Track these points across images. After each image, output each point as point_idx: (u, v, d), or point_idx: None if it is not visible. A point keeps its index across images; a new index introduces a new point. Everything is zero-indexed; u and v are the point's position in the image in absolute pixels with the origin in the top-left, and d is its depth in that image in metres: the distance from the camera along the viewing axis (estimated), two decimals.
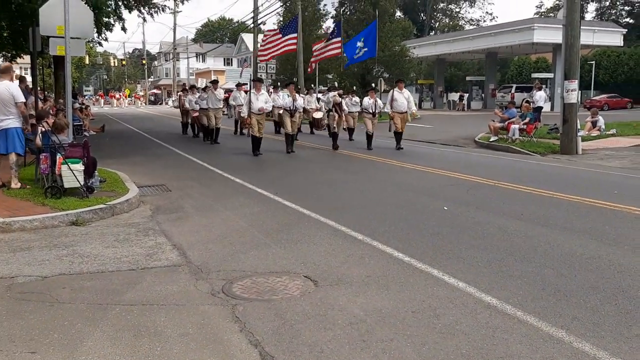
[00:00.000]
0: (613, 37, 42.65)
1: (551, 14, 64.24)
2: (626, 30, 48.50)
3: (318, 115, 18.65)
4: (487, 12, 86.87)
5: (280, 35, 25.59)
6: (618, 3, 76.43)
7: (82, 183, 8.08)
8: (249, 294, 4.63)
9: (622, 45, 45.33)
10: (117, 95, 69.99)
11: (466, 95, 48.59)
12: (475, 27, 68.19)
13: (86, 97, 59.59)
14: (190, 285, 4.86)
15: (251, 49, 44.13)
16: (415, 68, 38.16)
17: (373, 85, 19.35)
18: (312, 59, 26.11)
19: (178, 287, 4.83)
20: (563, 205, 8.13)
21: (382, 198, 8.83)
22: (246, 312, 4.26)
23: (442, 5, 74.88)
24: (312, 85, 28.55)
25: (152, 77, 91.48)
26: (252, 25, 38.01)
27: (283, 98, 16.89)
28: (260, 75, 33.58)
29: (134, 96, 76.39)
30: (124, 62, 77.64)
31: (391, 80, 43.65)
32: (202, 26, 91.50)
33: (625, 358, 3.49)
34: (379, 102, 16.71)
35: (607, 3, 76.30)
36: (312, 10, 39.09)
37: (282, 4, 35.84)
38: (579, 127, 15.78)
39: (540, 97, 22.63)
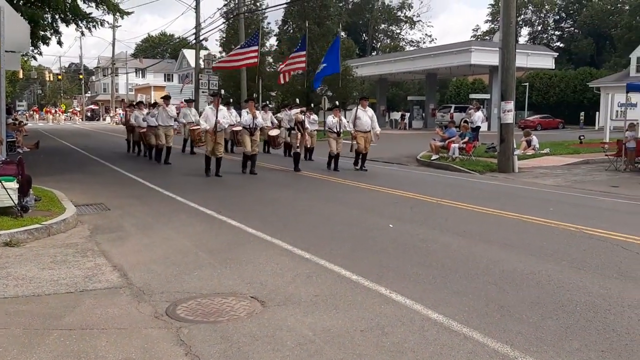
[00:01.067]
0: (545, 60, 44.71)
1: (487, 37, 66.85)
2: (557, 54, 51.03)
3: (274, 132, 18.13)
4: (426, 34, 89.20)
5: (240, 49, 23.78)
6: (549, 28, 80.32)
7: (16, 202, 7.71)
8: (194, 316, 4.51)
9: (553, 68, 47.61)
10: (53, 111, 67.64)
11: (408, 114, 49.69)
12: (415, 48, 70.02)
13: (19, 113, 57.30)
14: (132, 308, 4.69)
15: (193, 65, 43.68)
16: (358, 87, 38.66)
17: (337, 103, 18.18)
18: (282, 71, 24.33)
19: (119, 310, 4.65)
20: (503, 222, 8.37)
21: (329, 216, 8.84)
22: (191, 334, 4.14)
23: (383, 26, 76.61)
24: (268, 102, 28.40)
25: (89, 92, 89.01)
26: (193, 41, 37.66)
27: (235, 116, 15.52)
28: (203, 92, 33.28)
29: (71, 112, 74.03)
30: (60, 77, 75.28)
31: (334, 98, 44.19)
32: (142, 41, 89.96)
33: None
34: (344, 120, 15.80)
35: (540, 28, 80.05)
36: (255, 28, 39.11)
37: (224, 21, 35.76)
38: (515, 146, 16.35)
39: (478, 117, 23.41)
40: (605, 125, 24.60)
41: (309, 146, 17.64)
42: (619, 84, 32.01)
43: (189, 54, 64.15)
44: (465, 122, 21.19)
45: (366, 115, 15.20)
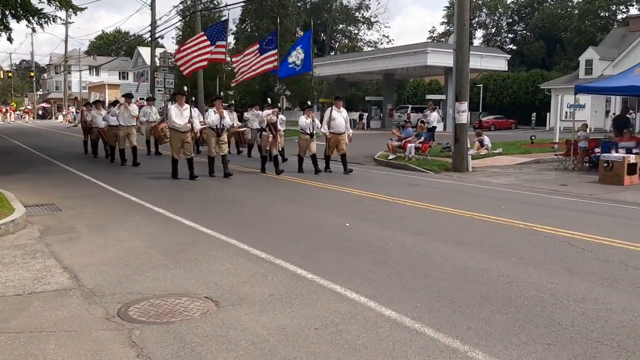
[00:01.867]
0: (499, 63, 45.73)
1: (443, 39, 67.96)
2: (510, 56, 52.26)
3: (241, 129, 17.66)
4: (384, 35, 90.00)
5: (208, 43, 20.01)
6: (503, 31, 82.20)
7: None
8: (147, 318, 4.45)
9: (506, 70, 48.75)
10: (4, 109, 65.41)
11: (365, 114, 50.04)
12: (373, 49, 70.63)
13: None
14: (83, 310, 4.60)
15: (148, 62, 42.95)
16: (316, 87, 38.77)
17: (309, 103, 16.96)
18: (247, 74, 20.79)
19: (69, 312, 4.55)
20: (456, 220, 8.53)
21: (286, 215, 8.84)
22: (143, 336, 4.08)
23: (341, 26, 76.92)
24: (234, 102, 28.04)
25: (41, 90, 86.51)
26: (149, 39, 37.05)
27: (202, 116, 14.58)
28: (158, 90, 32.77)
29: (22, 110, 71.77)
30: (10, 74, 72.79)
31: (292, 98, 44.15)
32: (96, 38, 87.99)
33: None
34: (317, 121, 14.93)
35: (493, 30, 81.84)
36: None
37: (181, 19, 35.29)
38: (469, 146, 16.69)
39: (434, 117, 23.78)
40: (555, 126, 25.36)
41: (280, 149, 15.71)
42: (568, 85, 33.05)
43: (145, 52, 63.04)
44: (422, 122, 21.48)
45: (341, 117, 14.65)
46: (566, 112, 25.16)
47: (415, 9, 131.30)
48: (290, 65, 19.09)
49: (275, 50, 19.23)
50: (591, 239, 7.18)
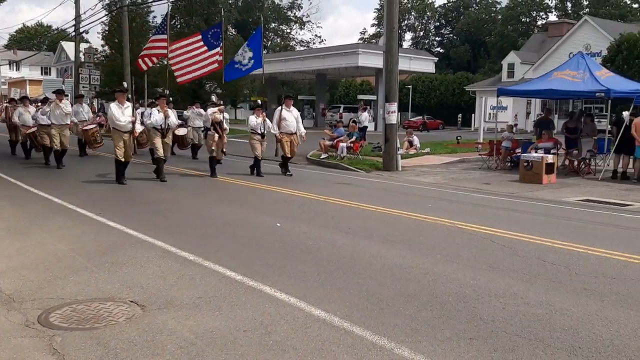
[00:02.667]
0: (427, 65, 46.96)
1: (374, 41, 69.12)
2: (437, 59, 53.85)
3: (182, 132, 16.64)
4: (316, 35, 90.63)
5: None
6: (430, 34, 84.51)
7: None
8: (69, 324, 4.29)
9: (434, 72, 50.17)
10: None
11: (298, 113, 50.14)
12: (305, 48, 70.87)
13: None
14: (1, 317, 4.38)
15: (72, 58, 41.31)
16: (248, 85, 38.45)
17: (260, 102, 16.39)
18: (194, 72, 17.55)
19: None
20: (385, 219, 8.71)
21: (216, 216, 8.74)
22: (65, 343, 3.94)
23: (273, 25, 76.79)
24: (171, 100, 27.21)
25: None
26: (73, 34, 35.64)
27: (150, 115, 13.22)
28: (83, 87, 31.55)
29: None
30: None
31: (223, 96, 43.59)
32: (16, 32, 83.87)
33: (439, 359, 3.81)
34: (268, 122, 14.27)
35: (422, 33, 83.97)
36: (140, 22, 37.74)
37: (106, 13, 34.16)
38: (398, 145, 17.05)
39: (365, 117, 24.18)
40: (479, 127, 26.32)
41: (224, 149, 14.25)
42: (492, 88, 34.41)
43: (69, 47, 60.60)
44: (354, 121, 21.79)
45: (292, 116, 14.21)
46: (490, 114, 26.17)
47: (347, 10, 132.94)
48: (236, 66, 17.28)
49: (221, 46, 17.08)
50: (512, 235, 7.51)
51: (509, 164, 16.91)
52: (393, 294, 5.08)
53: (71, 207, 9.08)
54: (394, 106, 16.39)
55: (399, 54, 17.37)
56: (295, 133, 14.20)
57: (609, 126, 16.56)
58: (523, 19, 71.55)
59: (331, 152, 19.09)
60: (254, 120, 14.19)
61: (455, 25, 78.33)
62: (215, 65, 16.82)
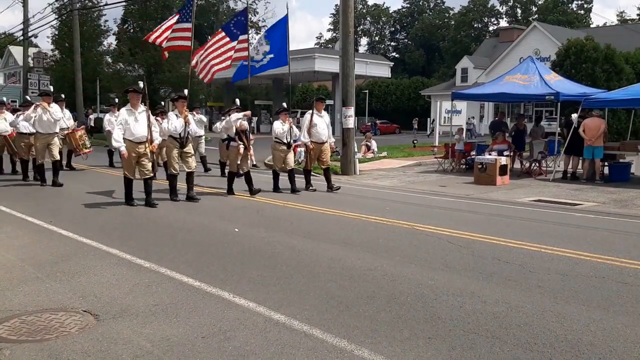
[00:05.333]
0: (382, 69, 47.48)
1: (330, 46, 69.49)
2: (393, 63, 54.49)
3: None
4: None
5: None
6: (386, 39, 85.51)
7: None
8: (18, 336, 4.12)
9: (390, 77, 50.77)
10: None
11: (255, 118, 49.87)
12: None
13: None
14: None
15: (20, 63, 40.06)
16: (204, 90, 38.03)
17: (284, 105, 12.90)
18: (218, 65, 15.46)
19: None
20: (344, 222, 8.72)
21: (172, 223, 8.58)
22: (14, 356, 3.78)
23: None
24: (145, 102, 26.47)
25: None
26: (21, 38, 34.57)
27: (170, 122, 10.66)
28: (32, 93, 30.63)
29: None
30: None
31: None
32: None
33: (398, 359, 3.82)
34: (295, 129, 12.37)
35: (377, 38, 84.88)
36: (91, 26, 36.96)
37: (56, 17, 33.31)
38: (356, 150, 17.14)
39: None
40: (435, 130, 26.74)
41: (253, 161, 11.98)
42: (446, 92, 35.00)
43: (17, 51, 58.70)
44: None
45: (323, 122, 12.32)
46: (445, 117, 26.66)
47: (303, 15, 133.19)
48: (244, 63, 15.05)
49: (246, 36, 14.90)
50: (468, 236, 7.63)
51: (464, 167, 17.22)
52: (353, 296, 5.08)
53: (20, 215, 8.79)
54: (351, 110, 16.48)
55: (355, 59, 17.47)
56: (327, 141, 12.41)
57: (559, 128, 17.07)
58: (475, 25, 73.25)
59: None
60: (280, 127, 12.03)
61: (409, 31, 79.56)
62: (243, 54, 14.80)
